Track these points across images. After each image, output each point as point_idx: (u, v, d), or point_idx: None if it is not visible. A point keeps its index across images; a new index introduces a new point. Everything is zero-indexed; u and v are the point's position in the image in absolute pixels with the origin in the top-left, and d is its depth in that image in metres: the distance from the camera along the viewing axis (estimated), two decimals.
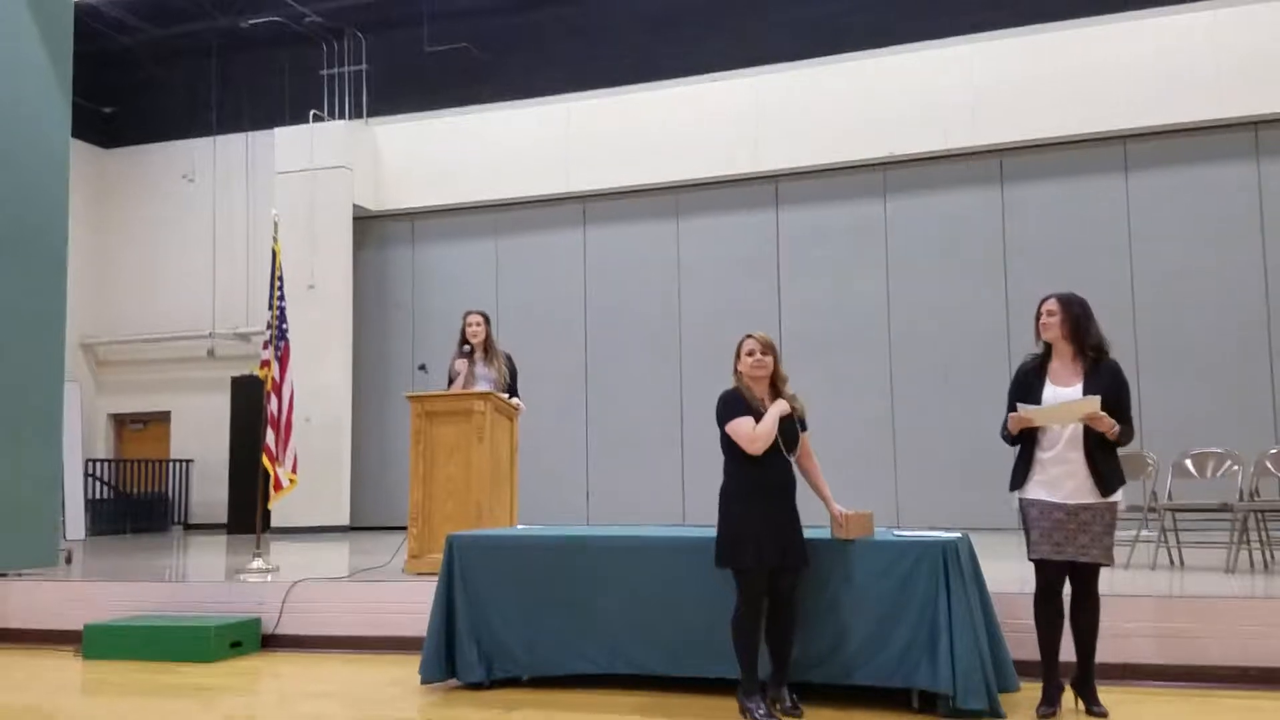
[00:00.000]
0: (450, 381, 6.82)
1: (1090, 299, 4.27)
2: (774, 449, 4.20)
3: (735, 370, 4.34)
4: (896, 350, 11.04)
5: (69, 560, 8.01)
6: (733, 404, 4.25)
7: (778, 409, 4.22)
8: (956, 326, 10.85)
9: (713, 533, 4.32)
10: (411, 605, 5.81)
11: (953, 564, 4.21)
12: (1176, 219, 10.42)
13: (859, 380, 11.03)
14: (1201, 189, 10.39)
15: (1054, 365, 4.22)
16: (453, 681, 4.88)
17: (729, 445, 4.26)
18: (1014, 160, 10.97)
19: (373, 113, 13.29)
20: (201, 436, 13.99)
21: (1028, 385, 4.21)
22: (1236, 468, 6.64)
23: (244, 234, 14.01)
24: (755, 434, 4.17)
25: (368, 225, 13.18)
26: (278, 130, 13.05)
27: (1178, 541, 6.65)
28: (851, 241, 11.28)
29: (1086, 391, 4.07)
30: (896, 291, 11.12)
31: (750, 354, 4.29)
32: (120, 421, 14.92)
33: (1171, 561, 6.56)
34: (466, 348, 6.80)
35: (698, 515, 10.91)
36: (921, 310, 11.01)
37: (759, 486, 4.20)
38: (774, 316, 11.28)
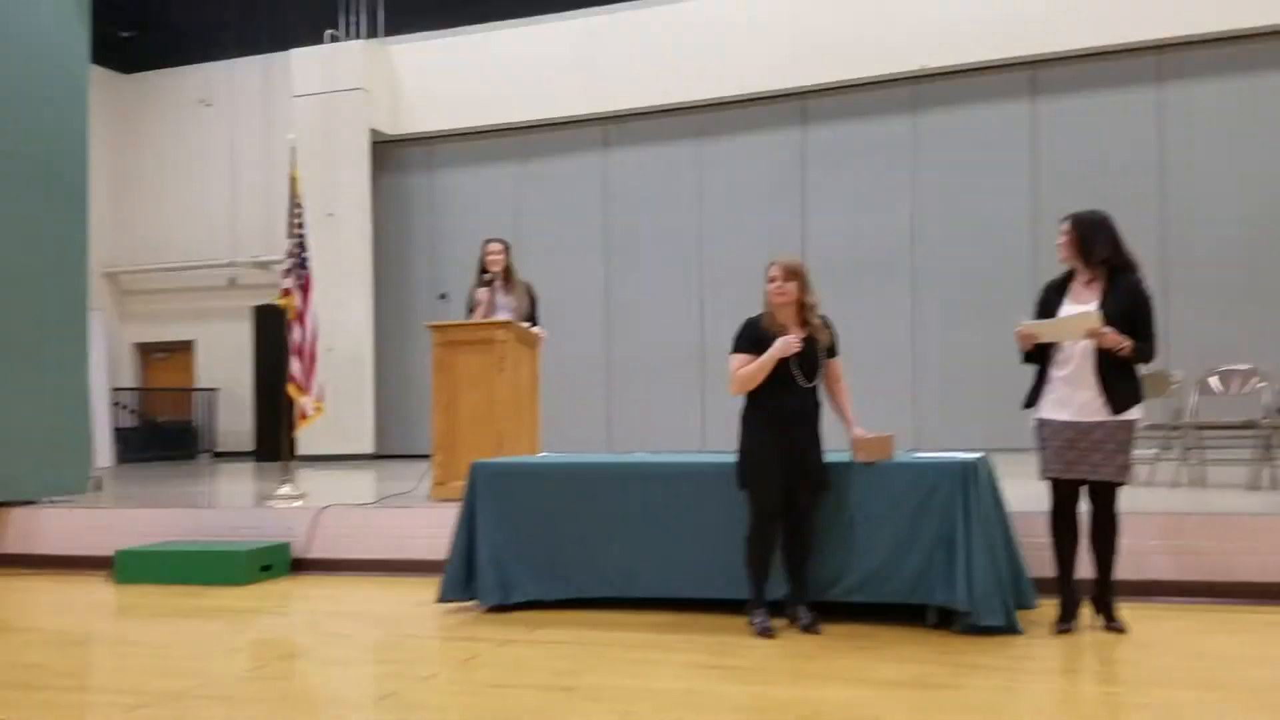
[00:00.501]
0: (470, 310, 6.85)
1: (1120, 215, 4.24)
2: (790, 379, 4.22)
3: (762, 296, 4.33)
4: (922, 272, 10.97)
5: (99, 487, 8.22)
6: (742, 335, 4.27)
7: (776, 350, 4.20)
8: (984, 246, 10.74)
9: (732, 459, 4.37)
10: (436, 530, 5.91)
11: (971, 484, 4.24)
12: (1210, 132, 10.19)
13: (882, 303, 10.99)
14: (1236, 101, 10.14)
15: (1074, 284, 4.22)
16: (474, 602, 5.01)
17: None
18: (1047, 73, 10.73)
19: (390, 31, 13.12)
20: (225, 365, 14.19)
21: (1048, 303, 4.22)
22: (1263, 384, 6.61)
23: (262, 160, 14.00)
24: (736, 376, 4.22)
25: (386, 151, 13.12)
26: (293, 52, 12.94)
27: (1201, 459, 6.66)
28: (879, 161, 11.13)
29: (1102, 308, 4.06)
30: (923, 211, 11.00)
31: (772, 280, 4.27)
32: (145, 350, 15.14)
33: (1194, 479, 6.57)
34: (487, 276, 6.81)
35: (718, 442, 10.96)
36: (948, 230, 10.90)
37: (774, 412, 4.24)
38: (797, 239, 11.21)
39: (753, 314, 4.34)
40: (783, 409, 4.24)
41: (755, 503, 4.28)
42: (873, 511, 4.39)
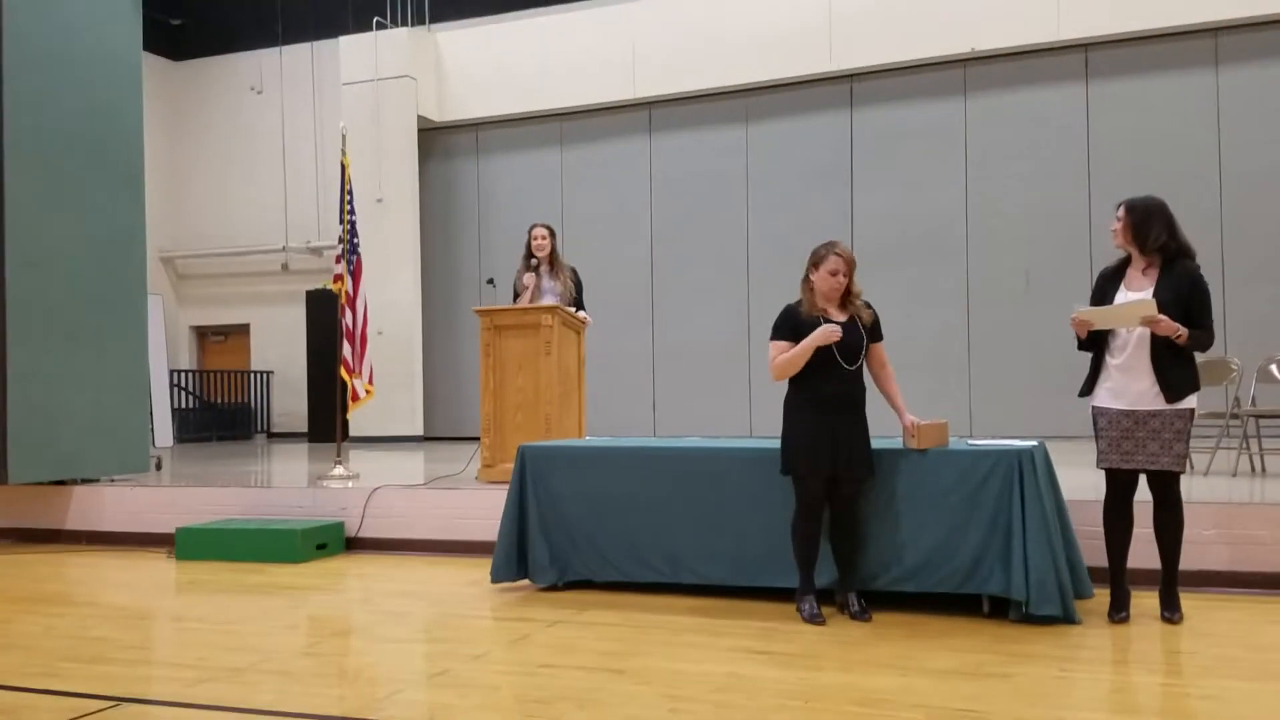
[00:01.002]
0: (516, 295, 6.89)
1: (1175, 200, 4.15)
2: (833, 362, 4.19)
3: (805, 279, 4.28)
4: (974, 257, 10.82)
5: (159, 467, 8.39)
6: (783, 322, 4.24)
7: (815, 339, 4.17)
8: (1037, 232, 10.57)
9: (778, 444, 4.36)
10: (485, 511, 6.00)
11: (1028, 472, 4.19)
12: (1268, 115, 9.91)
13: (934, 289, 10.86)
14: None
15: (1131, 270, 4.13)
16: (524, 583, 5.05)
17: None
18: (1100, 54, 10.49)
19: (435, 18, 13.17)
20: (279, 348, 14.40)
21: (1104, 290, 4.15)
22: None
23: (312, 146, 14.15)
24: (776, 364, 4.20)
25: (432, 137, 13.19)
26: (342, 39, 13.05)
27: (1260, 449, 6.50)
28: (929, 144, 10.98)
29: (1157, 295, 3.98)
30: (975, 196, 10.83)
31: (835, 274, 4.22)
32: (202, 333, 15.41)
33: (1253, 468, 6.43)
34: (533, 261, 6.84)
35: (764, 427, 10.96)
36: (1001, 215, 10.73)
37: (817, 397, 4.22)
38: (845, 224, 11.10)
39: (793, 301, 4.31)
40: (826, 394, 4.21)
41: (800, 489, 4.27)
42: (926, 499, 4.34)
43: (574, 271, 6.99)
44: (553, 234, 6.94)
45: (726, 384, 11.59)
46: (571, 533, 4.98)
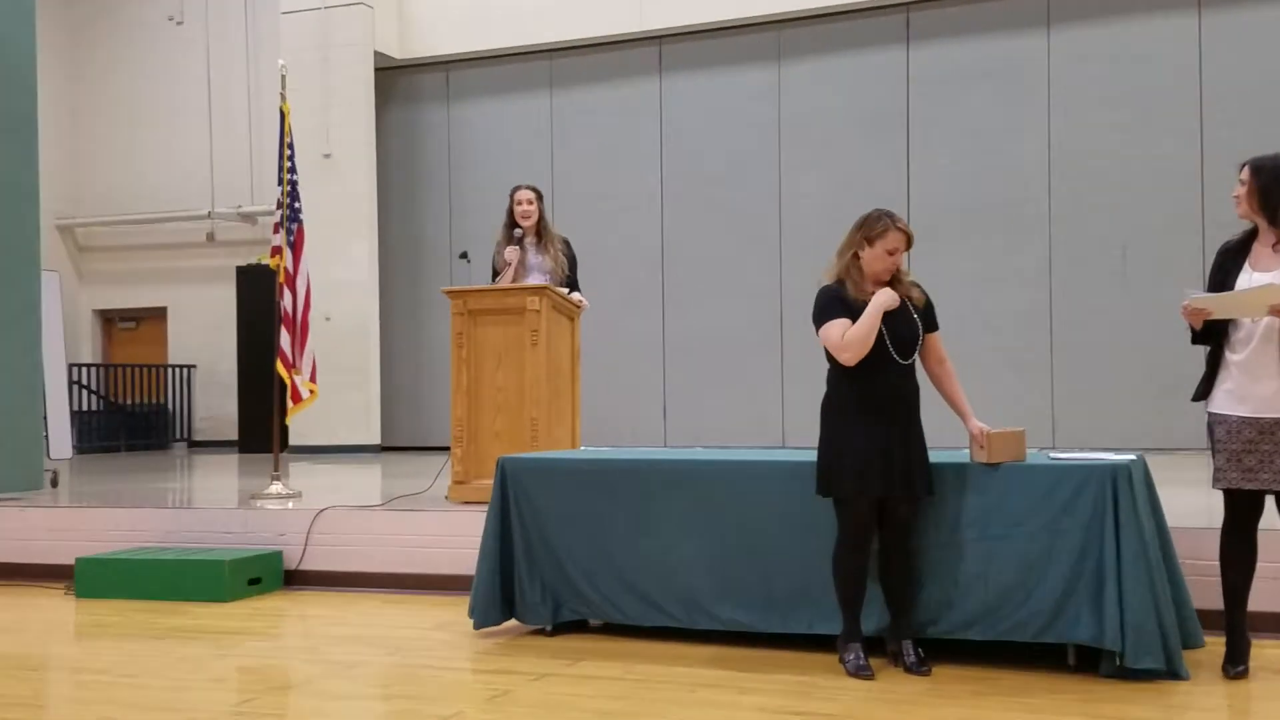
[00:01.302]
0: (496, 273, 6.89)
1: None
2: (884, 355, 4.19)
3: (848, 255, 4.27)
4: (1059, 228, 10.78)
5: (55, 483, 8.40)
6: (830, 303, 4.23)
7: (880, 302, 4.17)
8: (1137, 197, 10.53)
9: (813, 457, 4.36)
10: (457, 538, 6.00)
11: (1124, 493, 4.17)
12: None
13: (1009, 267, 10.84)
14: None
15: (1258, 246, 4.10)
16: (504, 626, 5.06)
17: (828, 351, 4.26)
18: None
19: None
20: (204, 337, 14.43)
21: (1224, 270, 4.12)
22: None
23: (244, 89, 14.16)
24: (846, 340, 4.16)
25: (393, 78, 13.19)
26: None
27: None
28: (1003, 87, 10.94)
29: None
30: (1060, 151, 10.79)
31: (893, 252, 4.21)
32: (108, 319, 15.44)
33: None
34: (517, 232, 6.84)
35: (800, 436, 10.94)
36: (1091, 175, 10.69)
37: (866, 400, 4.21)
38: (900, 185, 11.08)
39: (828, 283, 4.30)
40: (877, 393, 4.20)
41: (844, 515, 4.26)
42: (998, 526, 4.33)
43: (566, 244, 6.98)
44: (540, 197, 6.93)
45: (754, 383, 11.58)
46: (563, 565, 4.99)
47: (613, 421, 10.99)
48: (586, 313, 6.98)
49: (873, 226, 4.24)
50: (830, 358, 4.29)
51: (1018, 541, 4.30)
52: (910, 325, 4.25)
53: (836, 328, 4.20)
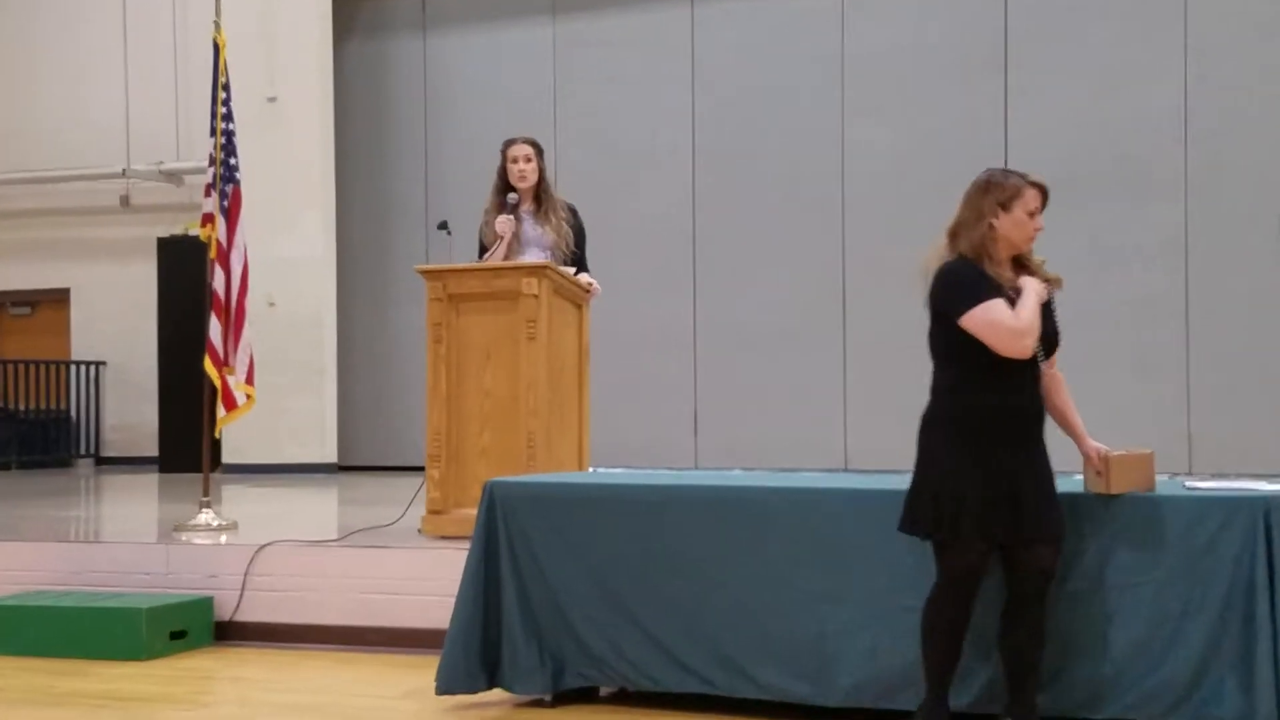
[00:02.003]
0: (484, 249, 6.89)
1: None
2: (1025, 359, 4.19)
3: (983, 228, 4.23)
4: (1197, 195, 10.70)
5: None
6: (977, 281, 4.18)
7: (1036, 290, 4.18)
8: None
9: (889, 481, 4.35)
10: (432, 583, 5.99)
11: (1279, 531, 4.15)
12: None
13: (1130, 243, 10.76)
14: None
15: None
16: (492, 695, 5.03)
17: (959, 348, 4.19)
18: None
19: None
20: (116, 327, 14.44)
21: None
22: None
23: (169, 17, 14.15)
24: (1021, 325, 4.12)
25: (354, 3, 13.19)
26: None
27: None
28: (1125, 16, 10.86)
29: None
30: (1199, 99, 10.71)
31: (1033, 214, 4.23)
32: None
33: None
34: (511, 197, 6.83)
35: (867, 456, 10.90)
36: (1238, 128, 10.62)
37: (998, 414, 4.18)
38: (996, 139, 11.02)
39: (950, 260, 4.26)
40: (1009, 406, 4.19)
41: (951, 559, 4.21)
42: (1119, 574, 4.31)
43: (572, 212, 6.98)
44: (540, 153, 6.93)
45: (808, 389, 11.53)
46: (567, 618, 4.97)
47: (630, 436, 10.97)
48: (598, 299, 6.98)
49: (1004, 188, 4.25)
50: (950, 360, 4.24)
51: (1144, 593, 4.28)
52: (1049, 318, 4.26)
53: (1002, 310, 4.14)
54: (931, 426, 4.27)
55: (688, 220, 12.10)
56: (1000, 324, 4.12)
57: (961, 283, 4.19)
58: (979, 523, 4.15)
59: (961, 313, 4.16)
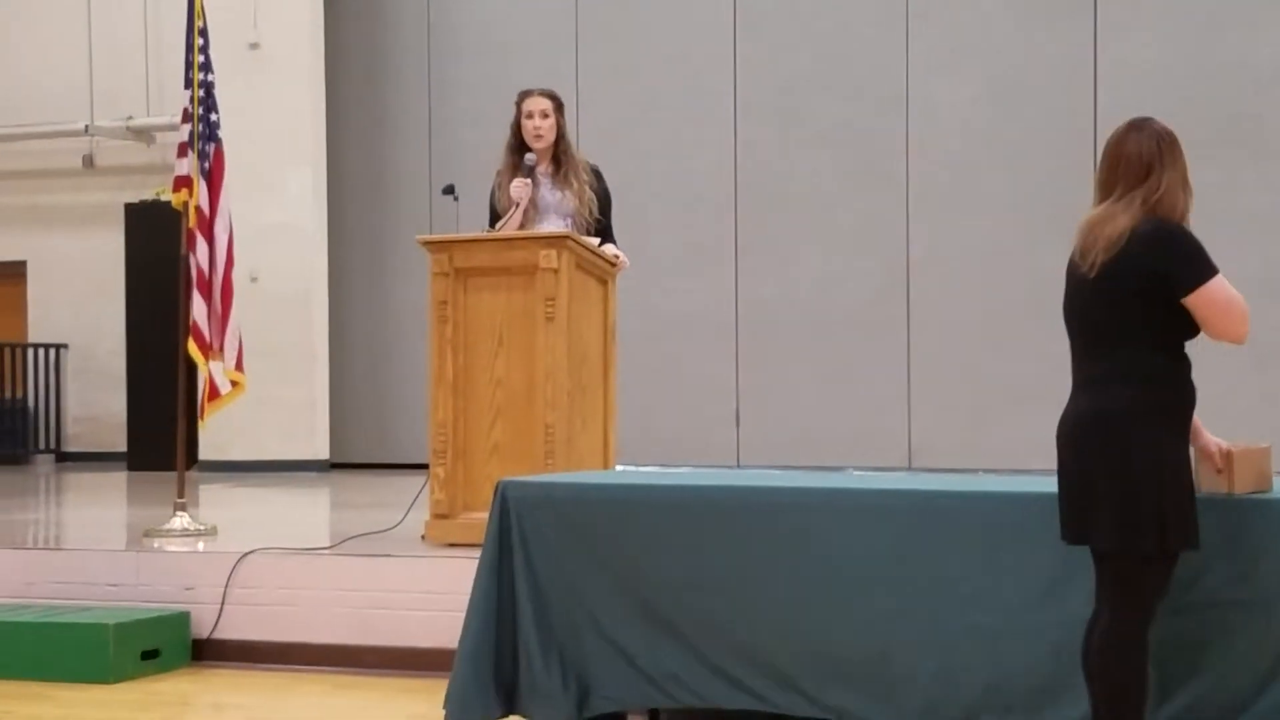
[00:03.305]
0: (497, 217, 6.88)
1: None
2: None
3: (1188, 188, 4.19)
4: None
5: None
6: (1203, 250, 4.11)
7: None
8: None
9: (960, 483, 4.33)
10: (437, 597, 6.01)
11: None
12: None
13: (1239, 209, 10.68)
14: None
15: None
16: None
17: (1169, 325, 4.12)
18: None
19: None
20: (79, 305, 14.49)
21: None
22: None
23: None
24: (1246, 306, 4.09)
25: None
26: None
27: None
28: None
29: None
30: None
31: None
32: None
33: None
34: (529, 157, 6.82)
35: (933, 454, 10.87)
36: None
37: (1189, 405, 4.18)
38: (1083, 93, 10.95)
39: (1167, 223, 4.18)
40: (1194, 397, 4.19)
41: (1156, 577, 4.13)
42: (1243, 583, 4.29)
43: (597, 175, 6.98)
44: (560, 108, 6.93)
45: (866, 378, 11.50)
46: (594, 632, 4.98)
47: (663, 429, 10.98)
48: (625, 275, 6.97)
49: (1178, 144, 4.20)
50: (1161, 338, 4.15)
51: (1256, 608, 4.27)
52: None
53: (1225, 286, 4.09)
54: (1127, 419, 4.12)
55: (729, 187, 12.08)
56: (1237, 303, 4.09)
57: (1198, 251, 4.11)
58: (1196, 533, 4.12)
59: (1198, 284, 4.07)
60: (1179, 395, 4.16)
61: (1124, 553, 4.12)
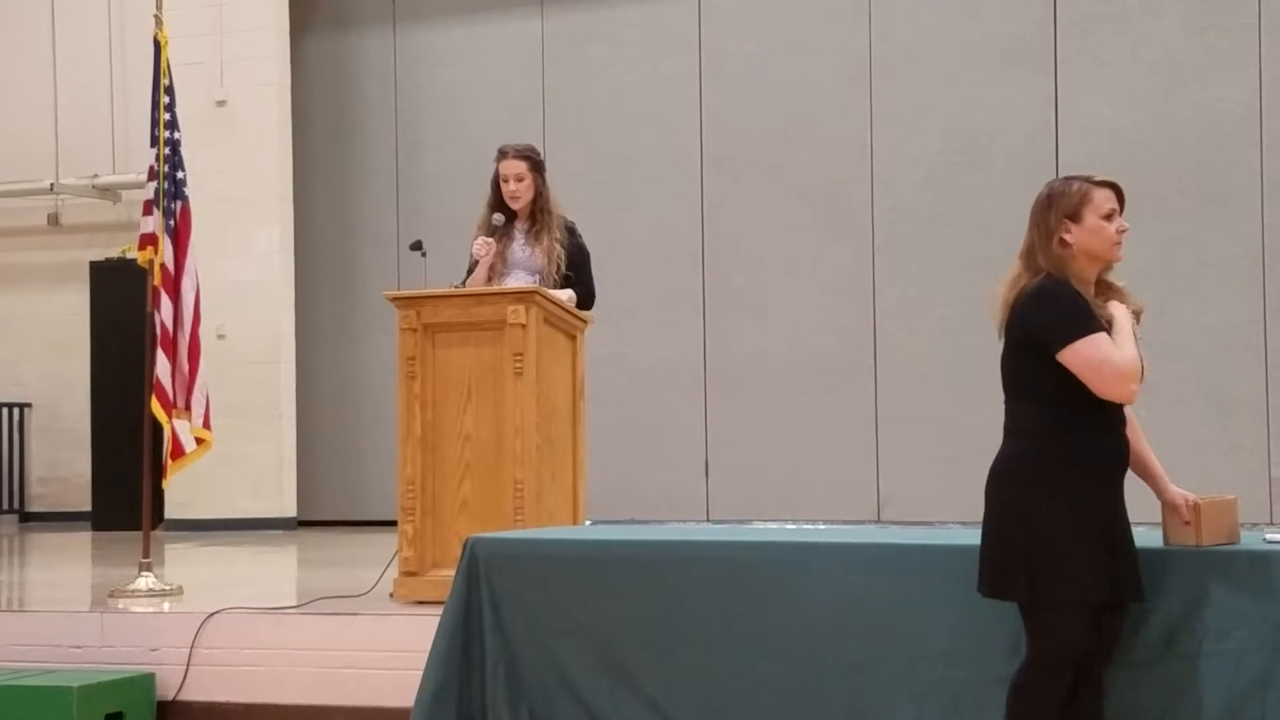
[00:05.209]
0: (468, 271, 6.93)
1: None
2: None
3: (1054, 246, 4.21)
4: (1273, 199, 10.69)
5: None
6: (1075, 307, 4.13)
7: (1126, 318, 4.17)
8: None
9: (931, 536, 4.34)
10: (406, 655, 5.91)
11: None
12: None
13: (1201, 263, 10.75)
14: None
15: None
16: None
17: (1055, 383, 4.14)
18: None
19: None
20: (44, 364, 14.41)
21: None
22: None
23: (103, 12, 14.19)
24: (1129, 367, 4.08)
25: None
26: None
27: None
28: (1194, 3, 10.87)
29: None
30: (1278, 87, 10.72)
31: (1110, 216, 4.20)
32: None
33: None
34: (496, 218, 6.88)
35: (902, 507, 10.86)
36: None
37: (1097, 458, 4.17)
38: (1044, 146, 11.02)
39: (1042, 279, 4.22)
40: (1106, 452, 4.19)
41: (1052, 630, 4.15)
42: (1207, 638, 4.28)
43: (570, 232, 7.01)
44: (537, 169, 6.95)
45: (835, 430, 11.50)
46: (567, 689, 4.97)
47: (632, 484, 10.95)
48: (593, 328, 6.99)
49: (1067, 196, 4.22)
50: (1042, 397, 4.19)
51: (1223, 662, 4.26)
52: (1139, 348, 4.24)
53: (1107, 343, 4.10)
54: (1016, 473, 4.20)
55: (696, 239, 12.10)
56: (1108, 363, 4.07)
57: (1061, 308, 4.13)
58: (1087, 579, 4.11)
59: (1063, 345, 4.10)
60: (1079, 447, 4.17)
61: (1000, 599, 4.24)
